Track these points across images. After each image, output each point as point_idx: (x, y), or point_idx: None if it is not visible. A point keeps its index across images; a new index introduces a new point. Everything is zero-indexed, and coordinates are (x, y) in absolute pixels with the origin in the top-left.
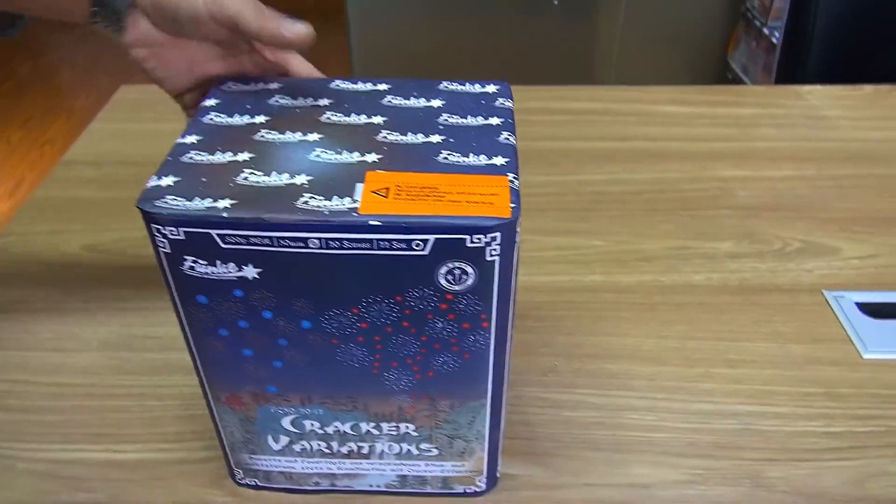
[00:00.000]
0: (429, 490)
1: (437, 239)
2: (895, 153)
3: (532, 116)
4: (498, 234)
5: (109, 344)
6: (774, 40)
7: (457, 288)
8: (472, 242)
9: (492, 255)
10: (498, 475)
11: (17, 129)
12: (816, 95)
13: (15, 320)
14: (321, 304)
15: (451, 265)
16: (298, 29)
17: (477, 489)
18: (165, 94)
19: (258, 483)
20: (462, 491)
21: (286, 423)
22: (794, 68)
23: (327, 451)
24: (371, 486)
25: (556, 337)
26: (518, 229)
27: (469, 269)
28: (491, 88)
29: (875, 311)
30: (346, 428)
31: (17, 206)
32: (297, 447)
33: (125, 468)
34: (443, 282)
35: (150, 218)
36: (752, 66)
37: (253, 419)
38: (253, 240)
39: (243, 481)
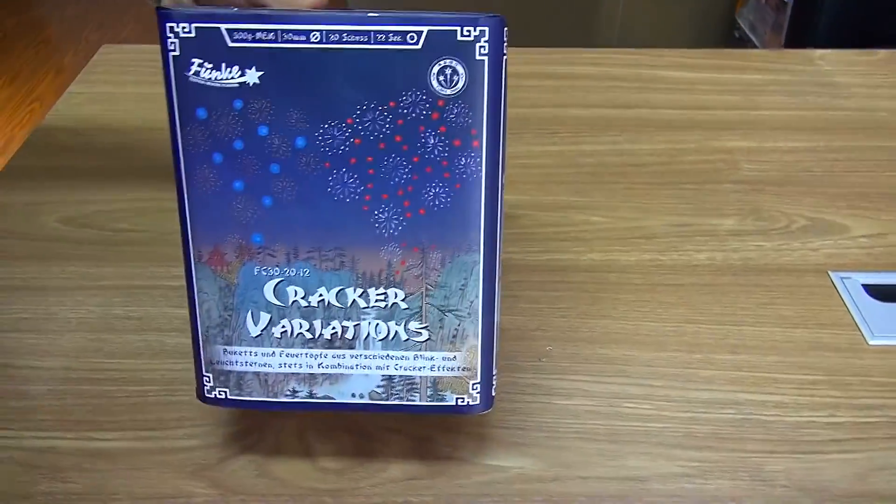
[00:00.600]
0: (417, 402)
1: (430, 31)
2: None
3: (526, 81)
4: (487, 29)
5: (88, 325)
6: None
7: (448, 91)
8: (463, 36)
9: (481, 54)
10: (493, 393)
11: (4, 86)
12: (828, 60)
13: None
14: (317, 114)
15: (442, 63)
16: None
17: (471, 401)
18: (148, 54)
19: (228, 395)
20: (454, 403)
21: (268, 291)
22: (804, 27)
23: (309, 335)
24: (354, 394)
25: (551, 320)
26: (505, 42)
27: (460, 69)
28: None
29: (882, 293)
30: (332, 297)
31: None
32: (276, 331)
33: (103, 457)
34: (435, 83)
35: (165, 17)
36: (760, 24)
37: (234, 287)
38: (259, 35)
39: (212, 394)
